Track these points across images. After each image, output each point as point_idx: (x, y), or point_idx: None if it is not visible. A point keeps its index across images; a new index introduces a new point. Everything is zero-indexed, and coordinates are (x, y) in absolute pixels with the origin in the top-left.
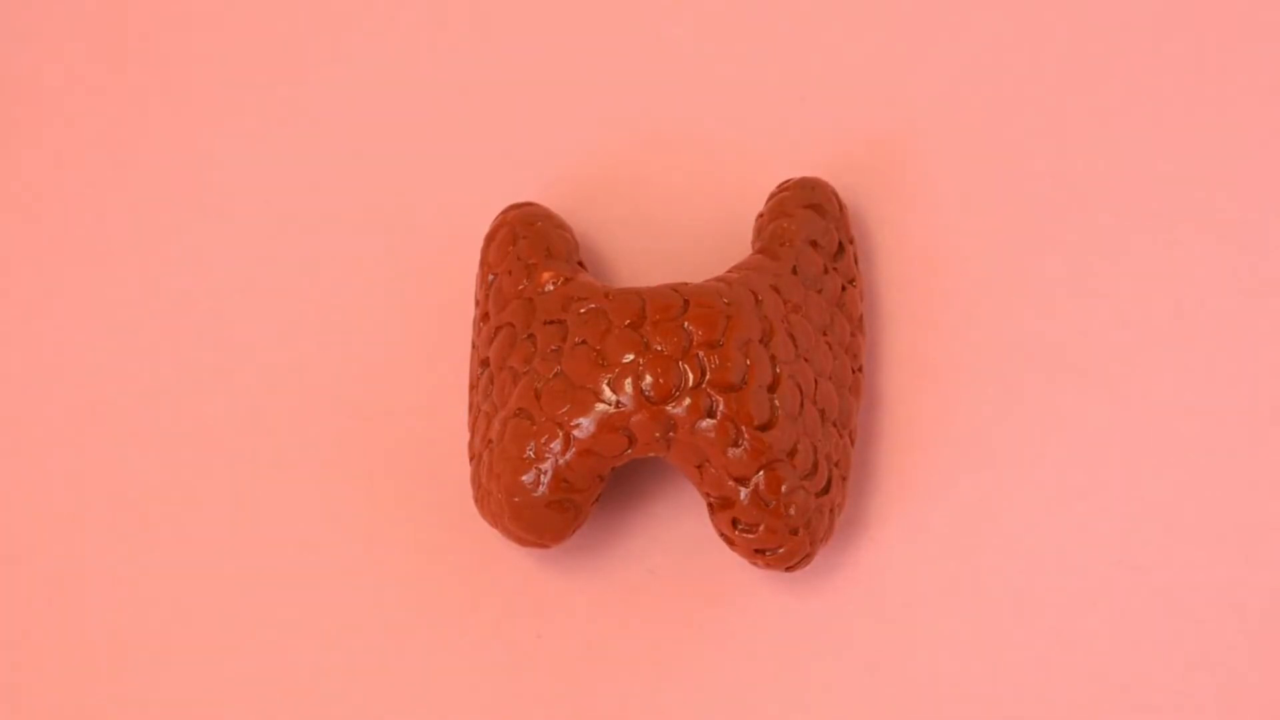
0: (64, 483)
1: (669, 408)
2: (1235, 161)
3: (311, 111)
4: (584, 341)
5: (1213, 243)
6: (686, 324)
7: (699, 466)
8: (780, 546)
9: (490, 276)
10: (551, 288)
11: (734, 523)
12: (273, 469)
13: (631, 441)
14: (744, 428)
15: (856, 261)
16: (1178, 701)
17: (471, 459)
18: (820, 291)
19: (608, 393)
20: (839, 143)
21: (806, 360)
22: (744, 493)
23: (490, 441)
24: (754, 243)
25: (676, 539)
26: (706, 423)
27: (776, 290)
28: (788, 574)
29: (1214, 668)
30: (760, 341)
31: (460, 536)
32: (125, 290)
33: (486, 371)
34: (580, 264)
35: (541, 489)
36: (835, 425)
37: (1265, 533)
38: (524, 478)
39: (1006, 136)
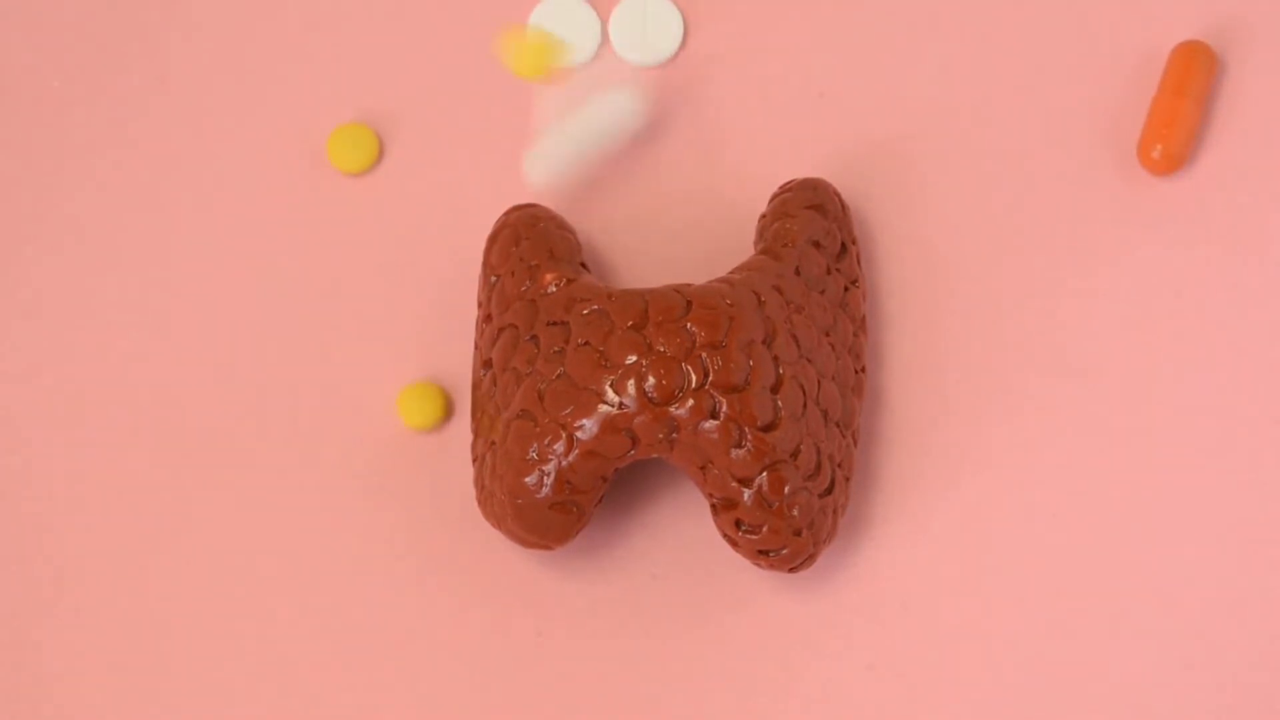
0: (67, 484)
1: (672, 409)
2: (1236, 163)
3: (313, 113)
4: (587, 343)
5: (1214, 244)
6: (689, 325)
7: (702, 468)
8: (783, 547)
9: (493, 278)
10: (554, 289)
11: (737, 524)
12: (276, 471)
13: (634, 443)
14: (747, 428)
15: (859, 262)
16: (1177, 701)
17: (474, 460)
18: (823, 292)
19: (611, 394)
20: (841, 144)
21: (809, 361)
22: (747, 494)
23: (493, 443)
24: (756, 243)
25: (679, 540)
26: (709, 424)
27: (779, 291)
28: (790, 575)
29: (1212, 667)
30: (763, 342)
31: (463, 538)
32: (131, 293)
33: (489, 373)
34: (583, 265)
35: (545, 490)
36: (838, 426)
37: (1264, 533)
38: (527, 479)
39: (1008, 139)
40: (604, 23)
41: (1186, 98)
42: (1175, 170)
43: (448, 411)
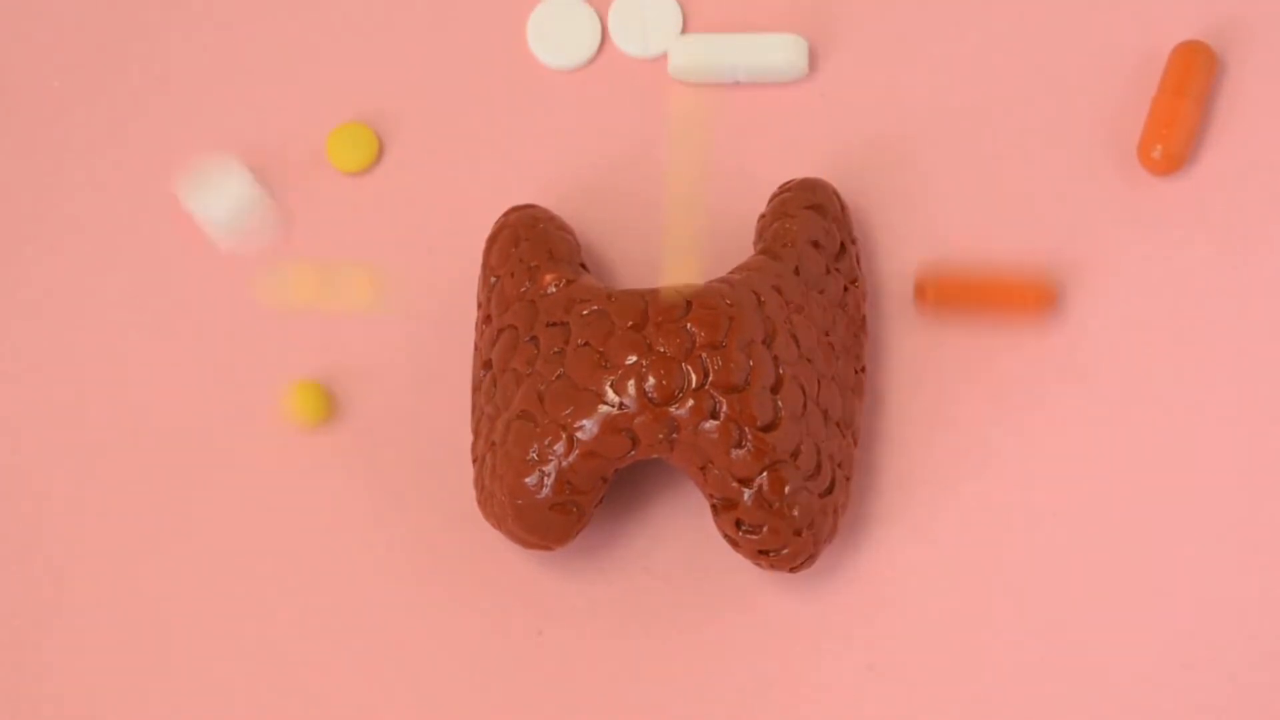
0: (67, 483)
1: (672, 409)
2: (1236, 163)
3: (313, 112)
4: (587, 343)
5: (1214, 244)
6: (689, 325)
7: (702, 468)
8: (784, 547)
9: (492, 279)
10: (554, 290)
11: (738, 524)
12: (276, 470)
13: (634, 443)
14: (747, 429)
15: (859, 262)
16: (1177, 701)
17: (474, 461)
18: (822, 292)
19: (611, 394)
20: (841, 144)
21: (809, 361)
22: (747, 494)
23: (493, 444)
24: (756, 244)
25: (679, 540)
26: (709, 424)
27: (779, 291)
28: (791, 575)
29: (1212, 667)
30: (763, 342)
31: (463, 538)
32: (130, 293)
33: (489, 374)
34: (582, 266)
35: (545, 491)
36: (838, 426)
37: (1264, 533)
38: (527, 480)
39: (1008, 138)
40: (603, 20)
41: (1186, 98)
42: (1175, 170)
43: (330, 410)
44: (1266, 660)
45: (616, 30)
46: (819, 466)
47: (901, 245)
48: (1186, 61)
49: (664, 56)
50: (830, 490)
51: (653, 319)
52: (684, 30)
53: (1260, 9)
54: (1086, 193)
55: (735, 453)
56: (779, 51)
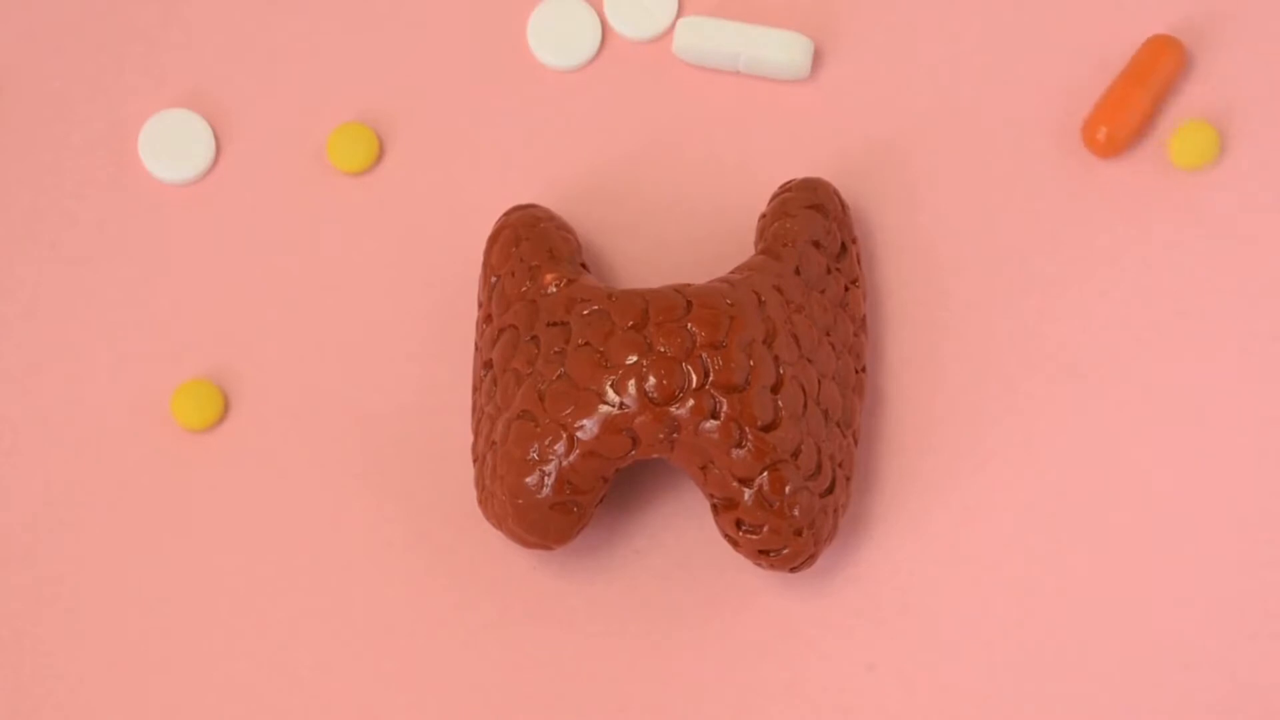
0: (64, 479)
1: (672, 409)
2: (1235, 164)
3: (313, 113)
4: (587, 343)
5: (1213, 242)
6: (689, 325)
7: (703, 468)
8: (784, 547)
9: (493, 278)
10: (554, 289)
11: (738, 524)
12: (276, 470)
13: (635, 443)
14: (747, 428)
15: (859, 262)
16: (1176, 702)
17: (475, 461)
18: (823, 292)
19: (611, 394)
20: (841, 144)
21: (810, 361)
22: (748, 494)
23: (494, 443)
24: (756, 243)
25: (679, 540)
26: (710, 424)
27: (779, 291)
28: (791, 575)
29: (1212, 667)
30: (763, 342)
31: (463, 538)
32: (128, 292)
33: (490, 373)
34: (583, 265)
35: (545, 490)
36: (839, 425)
37: (1266, 533)
38: (528, 479)
39: (1009, 138)
40: (603, 17)
41: (1143, 86)
42: (1118, 153)
43: (222, 412)
44: (1266, 660)
45: (615, 16)
46: (819, 466)
47: (901, 245)
48: (1154, 53)
49: (667, 39)
50: (830, 490)
51: (653, 319)
52: (680, 14)
53: (1242, 6)
54: (1088, 192)
55: (736, 452)
56: (784, 50)
